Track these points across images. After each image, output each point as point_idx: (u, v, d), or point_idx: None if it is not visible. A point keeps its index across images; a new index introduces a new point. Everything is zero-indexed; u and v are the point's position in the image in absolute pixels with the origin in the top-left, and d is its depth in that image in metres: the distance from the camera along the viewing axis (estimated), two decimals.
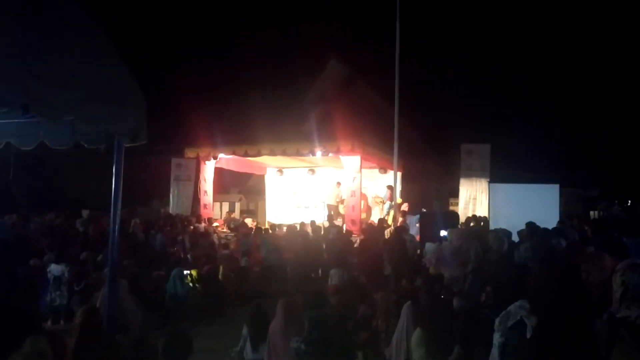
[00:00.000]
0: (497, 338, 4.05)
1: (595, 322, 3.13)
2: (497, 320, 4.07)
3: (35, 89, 3.83)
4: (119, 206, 5.03)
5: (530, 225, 10.58)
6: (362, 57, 24.68)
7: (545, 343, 2.64)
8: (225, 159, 18.95)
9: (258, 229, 16.28)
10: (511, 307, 4.01)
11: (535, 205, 15.67)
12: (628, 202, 32.27)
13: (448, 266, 9.57)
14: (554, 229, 10.99)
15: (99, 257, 10.68)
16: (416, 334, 5.34)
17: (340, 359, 6.66)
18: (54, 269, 9.62)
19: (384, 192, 18.62)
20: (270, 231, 16.43)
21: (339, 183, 18.57)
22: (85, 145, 5.63)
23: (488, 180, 17.89)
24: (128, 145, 5.06)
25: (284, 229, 17.14)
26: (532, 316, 3.47)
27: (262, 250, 14.14)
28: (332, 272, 10.35)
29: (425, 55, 26.24)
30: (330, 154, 16.74)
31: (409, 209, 18.17)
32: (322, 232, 15.34)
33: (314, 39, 26.52)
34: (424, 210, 17.77)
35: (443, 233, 11.50)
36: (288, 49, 26.69)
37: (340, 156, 16.58)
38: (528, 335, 3.56)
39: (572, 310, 2.64)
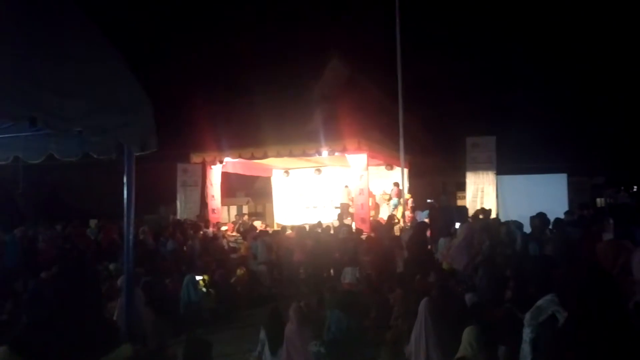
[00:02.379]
0: (527, 334, 3.98)
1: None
2: (527, 316, 3.99)
3: (42, 100, 3.78)
4: (132, 215, 4.97)
5: (542, 216, 10.48)
6: (364, 54, 24.62)
7: (580, 337, 2.58)
8: (231, 163, 18.95)
9: (261, 232, 16.26)
10: (541, 302, 3.93)
11: (543, 195, 15.62)
12: (634, 188, 32.20)
13: (459, 261, 9.52)
14: (566, 219, 10.95)
15: (112, 266, 10.65)
16: (468, 331, 5.29)
17: (359, 357, 6.63)
18: None
19: (392, 189, 18.61)
20: (279, 233, 16.38)
21: (347, 186, 18.57)
22: (95, 156, 5.58)
23: (495, 172, 17.82)
24: (138, 153, 5.01)
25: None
26: (564, 310, 3.40)
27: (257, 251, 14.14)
28: (346, 270, 10.33)
29: (428, 49, 26.12)
30: (336, 153, 16.71)
31: (416, 204, 18.14)
32: (332, 232, 15.27)
33: (316, 37, 26.48)
34: (429, 200, 17.77)
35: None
36: (290, 49, 26.59)
37: (347, 155, 16.53)
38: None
39: (606, 303, 2.58)
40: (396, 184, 18.04)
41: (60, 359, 2.79)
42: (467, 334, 5.28)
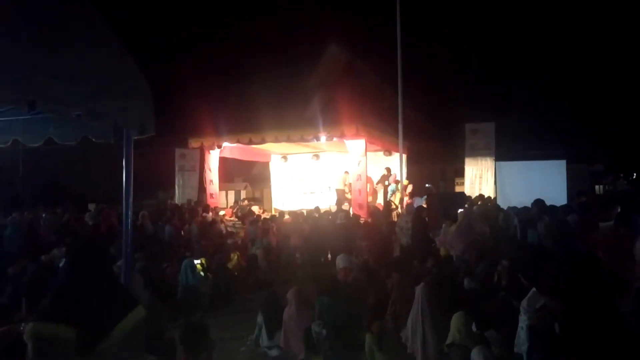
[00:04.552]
0: (523, 320, 3.98)
1: (620, 302, 3.08)
2: (524, 303, 3.99)
3: (41, 84, 3.79)
4: (131, 199, 5.00)
5: (539, 203, 10.47)
6: (363, 40, 24.54)
7: (573, 329, 2.61)
8: (229, 148, 18.93)
9: (257, 216, 16.32)
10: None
11: (542, 182, 15.68)
12: (633, 176, 32.22)
13: (457, 246, 9.56)
14: (563, 206, 10.93)
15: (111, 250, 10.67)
16: (456, 316, 5.33)
17: (353, 344, 6.66)
18: None
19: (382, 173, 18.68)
20: (276, 218, 16.41)
21: (347, 172, 18.52)
22: (94, 140, 5.61)
23: (493, 158, 17.86)
24: (136, 137, 5.03)
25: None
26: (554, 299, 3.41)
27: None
28: (339, 257, 10.35)
29: (428, 35, 26.00)
30: (334, 139, 16.69)
31: (414, 190, 18.16)
32: (330, 217, 15.29)
33: (315, 23, 26.37)
34: (427, 185, 17.79)
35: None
36: (289, 35, 26.50)
37: (345, 140, 16.52)
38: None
39: (595, 295, 2.60)
40: (388, 169, 18.06)
41: (85, 322, 3.09)
42: (456, 320, 5.32)
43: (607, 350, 2.56)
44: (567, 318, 2.75)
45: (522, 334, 4.00)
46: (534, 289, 3.97)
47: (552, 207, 10.07)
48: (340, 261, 9.79)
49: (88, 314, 3.13)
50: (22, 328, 5.12)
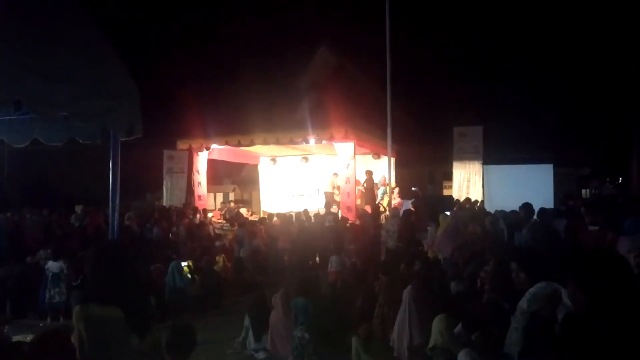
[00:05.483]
0: (519, 321, 3.93)
1: None
2: (524, 304, 3.92)
3: (28, 84, 3.76)
4: (117, 201, 4.97)
5: (527, 206, 10.53)
6: (353, 43, 24.54)
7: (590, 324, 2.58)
8: (218, 150, 18.87)
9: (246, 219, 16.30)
10: (535, 290, 3.91)
11: (529, 185, 15.73)
12: (619, 180, 32.48)
13: (445, 249, 9.59)
14: (552, 209, 11.00)
15: None
16: (438, 320, 5.33)
17: (338, 347, 6.66)
18: (52, 265, 9.56)
19: (378, 178, 18.68)
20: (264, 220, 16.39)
21: (336, 174, 18.49)
22: (80, 141, 5.57)
23: (481, 162, 17.91)
24: (124, 139, 5.00)
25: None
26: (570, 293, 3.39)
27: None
28: (332, 258, 10.37)
29: (417, 38, 26.09)
30: (323, 141, 16.69)
31: (402, 193, 18.18)
32: (318, 220, 15.28)
33: (305, 25, 26.35)
34: (414, 189, 17.82)
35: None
36: (279, 37, 26.47)
37: (334, 143, 16.52)
38: (560, 316, 3.44)
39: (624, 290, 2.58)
40: (368, 172, 18.07)
41: (129, 304, 3.24)
42: (438, 324, 5.32)
43: (620, 347, 2.55)
44: (589, 312, 2.72)
45: (514, 334, 3.94)
46: (531, 291, 3.94)
47: (542, 209, 10.14)
48: (333, 263, 9.84)
49: (129, 296, 3.27)
50: (5, 330, 5.08)
